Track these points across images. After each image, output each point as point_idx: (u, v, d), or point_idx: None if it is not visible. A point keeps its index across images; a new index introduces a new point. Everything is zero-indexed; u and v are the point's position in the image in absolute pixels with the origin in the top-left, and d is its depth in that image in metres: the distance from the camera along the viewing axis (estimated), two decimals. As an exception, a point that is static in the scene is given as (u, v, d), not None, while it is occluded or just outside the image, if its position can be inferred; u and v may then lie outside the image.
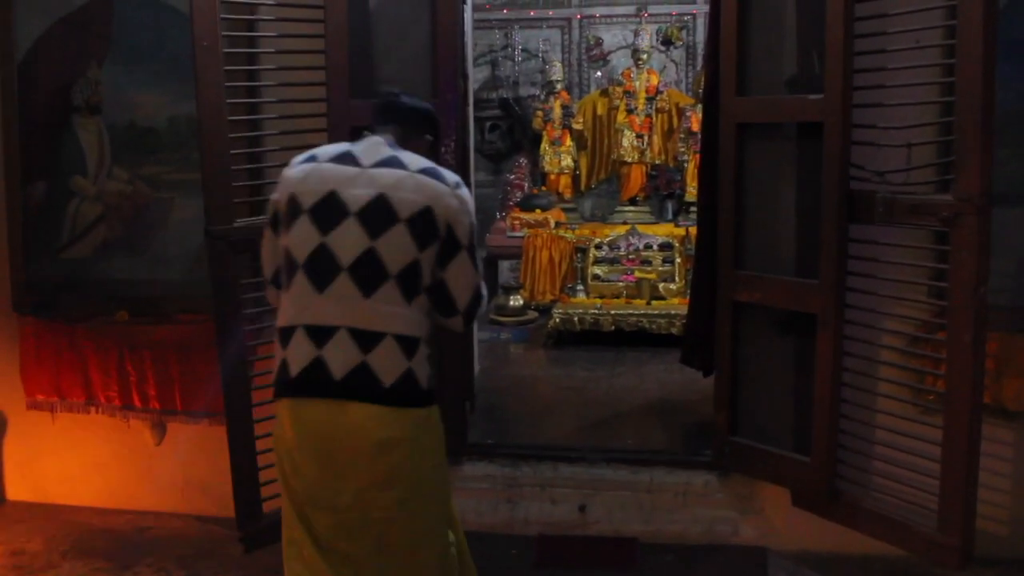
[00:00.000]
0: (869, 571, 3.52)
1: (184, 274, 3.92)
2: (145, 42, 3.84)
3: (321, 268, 2.32)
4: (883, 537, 3.24)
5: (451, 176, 2.46)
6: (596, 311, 6.06)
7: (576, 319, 6.06)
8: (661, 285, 6.24)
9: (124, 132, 3.89)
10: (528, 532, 3.74)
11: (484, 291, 2.52)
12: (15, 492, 4.34)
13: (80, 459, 4.18)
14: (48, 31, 3.92)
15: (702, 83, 6.97)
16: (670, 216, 7.17)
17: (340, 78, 3.40)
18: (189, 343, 3.81)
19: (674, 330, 5.86)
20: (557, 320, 6.08)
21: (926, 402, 3.24)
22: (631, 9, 7.49)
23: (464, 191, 2.46)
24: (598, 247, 6.54)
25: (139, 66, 3.84)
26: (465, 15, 4.34)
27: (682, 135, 7.09)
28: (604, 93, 7.47)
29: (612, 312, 6.05)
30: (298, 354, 2.33)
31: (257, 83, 3.47)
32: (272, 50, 3.44)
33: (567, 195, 7.44)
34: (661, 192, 7.29)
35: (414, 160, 2.43)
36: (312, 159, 2.45)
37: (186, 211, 3.87)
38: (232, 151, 3.27)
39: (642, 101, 7.15)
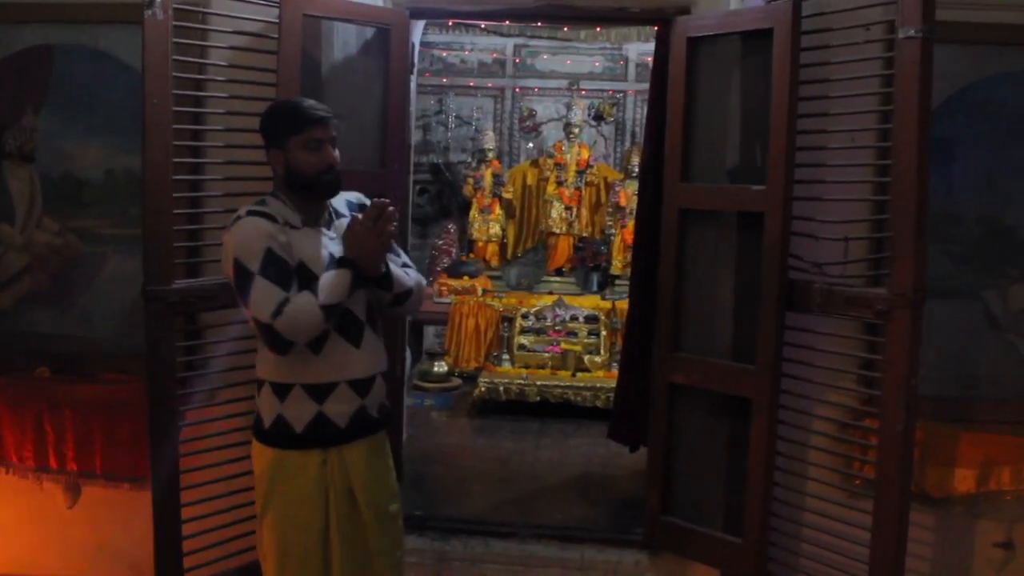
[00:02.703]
0: (796, 654, 3.55)
1: (112, 332, 3.77)
2: (85, 92, 3.73)
3: None
4: (813, 621, 3.29)
5: (239, 213, 2.60)
6: (522, 381, 6.06)
7: (502, 388, 6.05)
8: (587, 357, 6.29)
9: (58, 182, 3.76)
10: (456, 609, 3.69)
11: (265, 319, 2.47)
12: (-94, 557, 4.07)
13: (-18, 522, 3.96)
14: (-19, 76, 3.80)
15: (632, 160, 7.18)
16: (595, 288, 7.25)
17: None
18: (113, 403, 3.66)
19: (599, 403, 5.90)
20: (483, 389, 6.06)
21: (854, 487, 3.32)
22: (564, 83, 7.65)
23: (232, 227, 2.56)
24: (525, 317, 6.57)
25: (78, 116, 3.73)
26: (411, 84, 4.38)
27: (610, 209, 7.22)
28: (535, 164, 7.57)
29: (538, 383, 6.06)
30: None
31: (203, 143, 3.42)
32: (222, 111, 3.40)
33: (494, 263, 7.48)
34: (587, 264, 7.38)
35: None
36: None
37: (118, 267, 3.75)
38: (175, 211, 3.20)
39: (572, 174, 7.28)
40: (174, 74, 3.15)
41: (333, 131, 2.61)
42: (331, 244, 2.63)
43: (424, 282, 2.81)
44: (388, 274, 2.63)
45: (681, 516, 3.64)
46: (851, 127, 3.22)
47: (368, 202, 2.71)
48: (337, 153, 2.63)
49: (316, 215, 2.65)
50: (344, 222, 2.66)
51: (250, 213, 2.57)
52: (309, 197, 2.62)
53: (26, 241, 3.82)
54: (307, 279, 2.55)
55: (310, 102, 2.63)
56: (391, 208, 2.53)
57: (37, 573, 3.95)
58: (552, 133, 7.71)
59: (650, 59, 5.53)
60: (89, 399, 3.69)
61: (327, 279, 2.53)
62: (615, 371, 5.67)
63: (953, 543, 3.61)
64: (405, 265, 2.77)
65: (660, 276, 3.61)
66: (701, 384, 3.53)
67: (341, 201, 2.75)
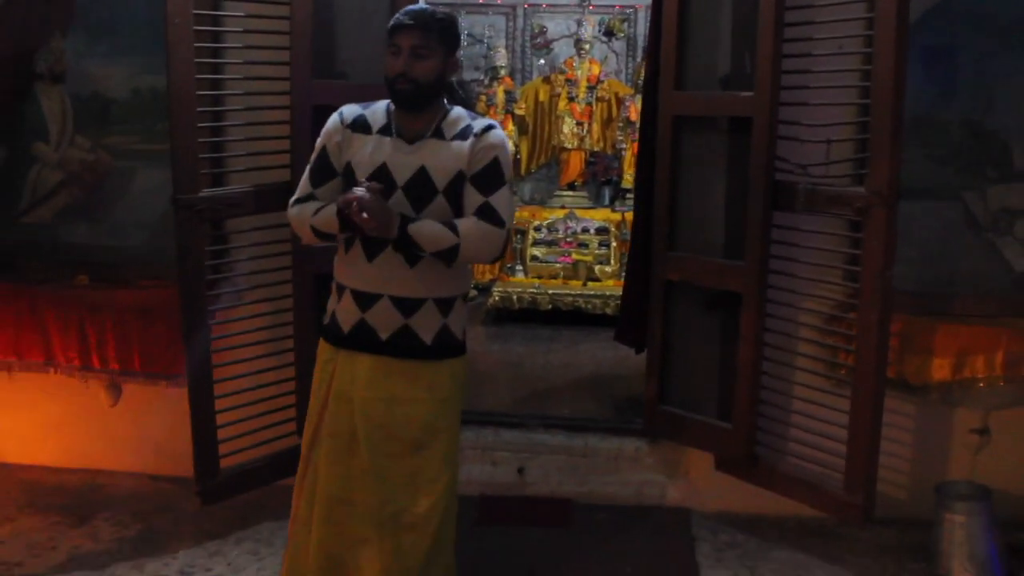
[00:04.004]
0: (784, 529, 3.84)
1: (144, 241, 4.04)
2: (109, 14, 3.94)
3: None
4: (797, 497, 3.56)
5: None
6: (534, 290, 6.31)
7: (515, 297, 6.31)
8: (597, 267, 6.52)
9: (88, 102, 4.00)
10: (470, 492, 3.95)
11: (290, 203, 2.80)
12: (-36, 452, 4.42)
13: (35, 419, 4.28)
14: (9, 0, 4.00)
15: (642, 75, 7.27)
16: (607, 202, 7.43)
17: (303, 58, 3.55)
18: (149, 307, 3.94)
19: (608, 310, 6.14)
20: (497, 298, 6.32)
21: (839, 375, 3.56)
22: (575, 0, 7.71)
23: None
24: (537, 229, 6.78)
25: (103, 38, 3.95)
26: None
27: (621, 124, 7.35)
28: (546, 80, 7.68)
29: (550, 291, 6.31)
30: None
31: (223, 60, 3.62)
32: (240, 29, 3.58)
33: (508, 178, 7.64)
34: (599, 178, 7.54)
35: None
36: None
37: (148, 181, 4.00)
38: (199, 124, 3.42)
39: (583, 90, 7.39)
40: (194, -7, 3.34)
41: (417, 39, 2.56)
42: (396, 155, 2.62)
43: (492, 231, 2.61)
44: (403, 238, 2.56)
45: (677, 405, 3.88)
46: (839, 34, 3.37)
47: (482, 134, 2.64)
48: (429, 64, 2.58)
49: (411, 128, 2.65)
50: (439, 144, 2.63)
51: (339, 110, 2.75)
52: (395, 106, 2.67)
53: (61, 158, 4.07)
54: (351, 182, 2.64)
55: (417, 8, 2.63)
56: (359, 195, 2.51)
57: (86, 465, 4.29)
58: (563, 50, 7.79)
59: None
60: (126, 304, 3.98)
61: (327, 207, 2.64)
62: (624, 280, 5.91)
63: (932, 429, 3.86)
64: (480, 209, 2.61)
65: (656, 180, 3.80)
66: (695, 281, 3.74)
67: (460, 125, 2.67)
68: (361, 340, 2.70)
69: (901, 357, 3.68)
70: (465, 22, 7.83)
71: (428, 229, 2.58)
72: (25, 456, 4.32)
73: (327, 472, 2.72)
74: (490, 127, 2.68)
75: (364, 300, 2.68)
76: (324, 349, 2.80)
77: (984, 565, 3.45)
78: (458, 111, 2.72)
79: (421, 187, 2.62)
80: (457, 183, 2.63)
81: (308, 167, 2.76)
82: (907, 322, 3.65)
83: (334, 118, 2.74)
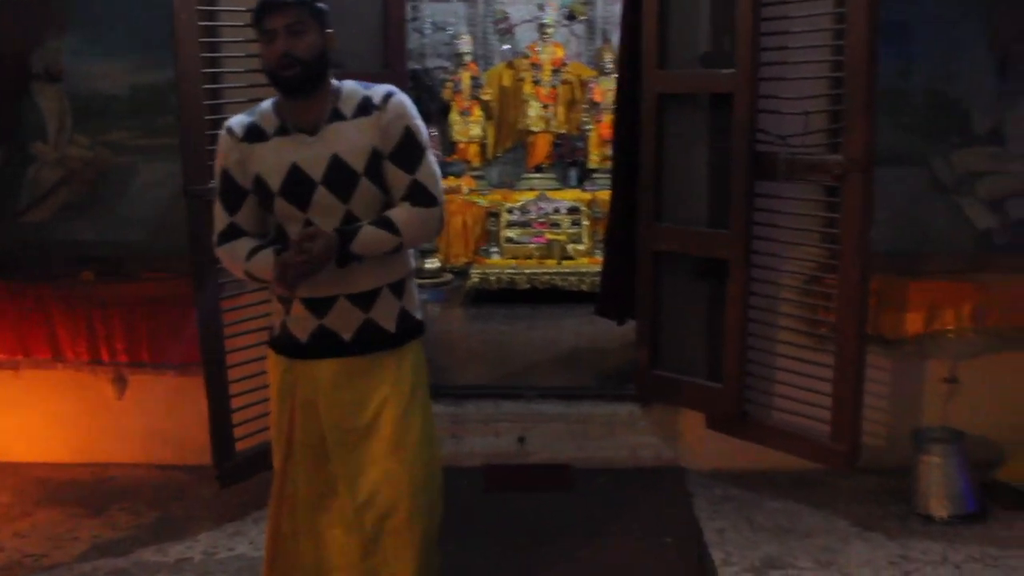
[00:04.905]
0: (775, 482, 4.05)
1: (147, 235, 4.11)
2: (107, 12, 4.00)
3: None
4: (786, 449, 3.78)
5: None
6: (511, 271, 6.50)
7: (493, 278, 6.49)
8: (570, 246, 6.72)
9: (87, 99, 4.06)
10: (474, 463, 4.13)
11: (214, 239, 2.68)
12: (-31, 452, 4.45)
13: (43, 416, 4.32)
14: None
15: (604, 57, 7.49)
16: (574, 182, 7.64)
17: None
18: (155, 299, 4.04)
19: (584, 287, 6.36)
20: (475, 279, 6.50)
21: (820, 332, 3.79)
22: (536, -16, 7.88)
23: None
24: (510, 211, 6.96)
25: (101, 36, 4.00)
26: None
27: (586, 106, 7.56)
28: (510, 65, 7.85)
29: (526, 271, 6.51)
30: None
31: (223, 55, 3.72)
32: (239, 23, 3.68)
33: (475, 163, 7.81)
34: (565, 160, 7.74)
35: None
36: None
37: (148, 175, 4.08)
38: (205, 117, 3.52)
39: (548, 73, 7.58)
40: (194, -10, 3.44)
41: (290, 17, 2.39)
42: (303, 150, 2.48)
43: (428, 214, 2.53)
44: (347, 258, 2.46)
45: (668, 369, 4.08)
46: (811, 12, 3.58)
47: (384, 104, 2.51)
48: (308, 40, 2.41)
49: (306, 118, 2.49)
50: (341, 126, 2.49)
51: (225, 125, 2.57)
52: (284, 96, 2.50)
53: (60, 156, 4.13)
54: (265, 193, 2.51)
55: None
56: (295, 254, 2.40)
57: (96, 459, 4.34)
58: (525, 35, 7.96)
59: (619, -43, 5.79)
60: (133, 297, 4.08)
61: (262, 254, 2.52)
62: (598, 257, 6.13)
63: (907, 380, 4.11)
64: (410, 191, 2.51)
65: (641, 155, 3.98)
66: (682, 250, 3.94)
67: (357, 99, 2.52)
68: (322, 346, 2.58)
69: (877, 314, 3.93)
70: (428, 10, 7.98)
71: (367, 239, 2.47)
72: (35, 454, 4.35)
73: (307, 480, 2.65)
74: (389, 95, 2.53)
75: (319, 306, 2.55)
76: (277, 362, 2.66)
77: (959, 502, 3.71)
78: (350, 85, 2.55)
79: (340, 176, 2.48)
80: (375, 161, 2.50)
81: (217, 198, 2.59)
82: (882, 281, 3.89)
83: (223, 138, 2.56)
